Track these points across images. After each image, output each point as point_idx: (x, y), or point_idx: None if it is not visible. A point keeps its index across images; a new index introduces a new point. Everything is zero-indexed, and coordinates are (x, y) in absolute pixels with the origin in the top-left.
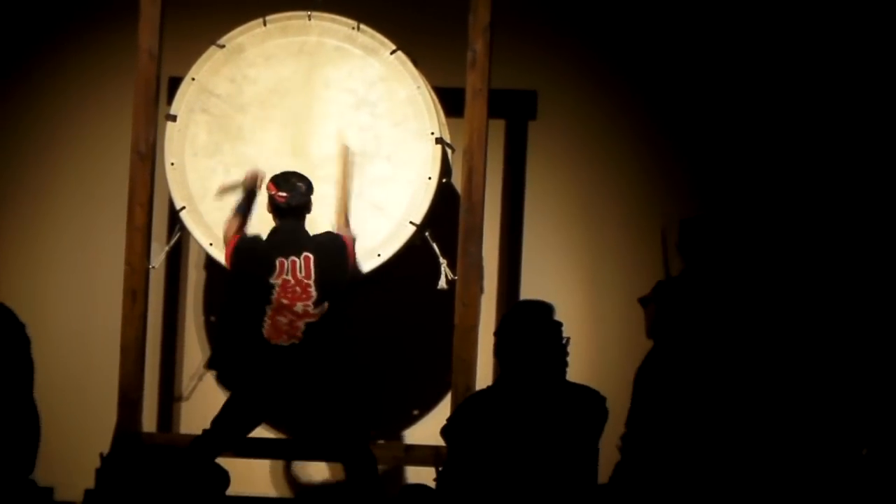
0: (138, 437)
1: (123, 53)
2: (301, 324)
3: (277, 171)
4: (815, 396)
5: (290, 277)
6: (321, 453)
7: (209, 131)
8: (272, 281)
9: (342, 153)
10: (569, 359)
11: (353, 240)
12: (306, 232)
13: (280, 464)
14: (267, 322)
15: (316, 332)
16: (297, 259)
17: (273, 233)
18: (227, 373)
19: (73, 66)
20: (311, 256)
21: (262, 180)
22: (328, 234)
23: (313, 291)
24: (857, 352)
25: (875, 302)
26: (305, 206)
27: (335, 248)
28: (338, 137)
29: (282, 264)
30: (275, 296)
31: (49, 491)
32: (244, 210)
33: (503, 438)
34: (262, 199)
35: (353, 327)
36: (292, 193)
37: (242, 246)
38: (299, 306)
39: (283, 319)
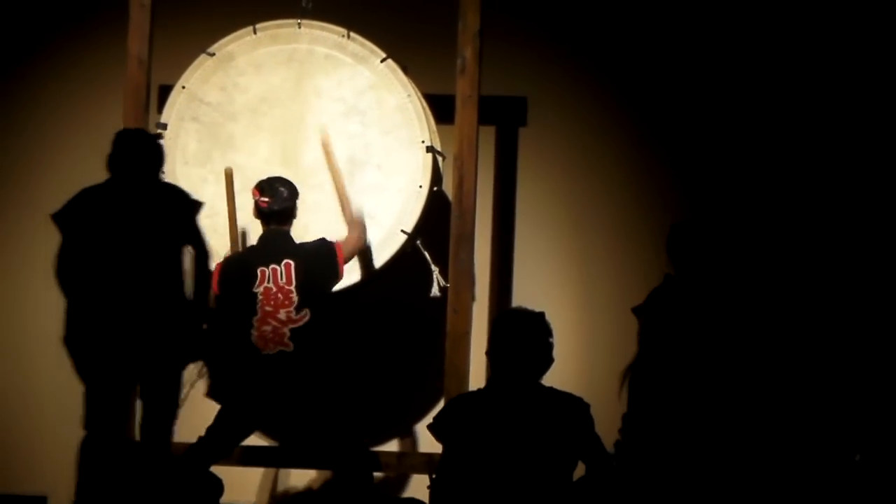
0: (131, 445)
1: (113, 61)
2: (286, 330)
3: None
4: (809, 402)
5: (271, 285)
6: (314, 461)
7: (200, 140)
8: (254, 290)
9: (325, 144)
10: (554, 363)
11: (363, 225)
12: (290, 239)
13: (272, 471)
14: (254, 333)
15: (302, 338)
16: (277, 266)
17: (258, 241)
18: (220, 384)
19: (62, 73)
20: (291, 263)
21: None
22: (320, 240)
23: (295, 297)
24: (850, 357)
25: (868, 306)
26: (289, 212)
27: (323, 256)
28: (319, 131)
29: (263, 273)
30: (259, 305)
31: (43, 500)
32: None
33: (486, 440)
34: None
35: (340, 334)
36: (274, 198)
37: (226, 265)
38: (282, 313)
39: (267, 328)
